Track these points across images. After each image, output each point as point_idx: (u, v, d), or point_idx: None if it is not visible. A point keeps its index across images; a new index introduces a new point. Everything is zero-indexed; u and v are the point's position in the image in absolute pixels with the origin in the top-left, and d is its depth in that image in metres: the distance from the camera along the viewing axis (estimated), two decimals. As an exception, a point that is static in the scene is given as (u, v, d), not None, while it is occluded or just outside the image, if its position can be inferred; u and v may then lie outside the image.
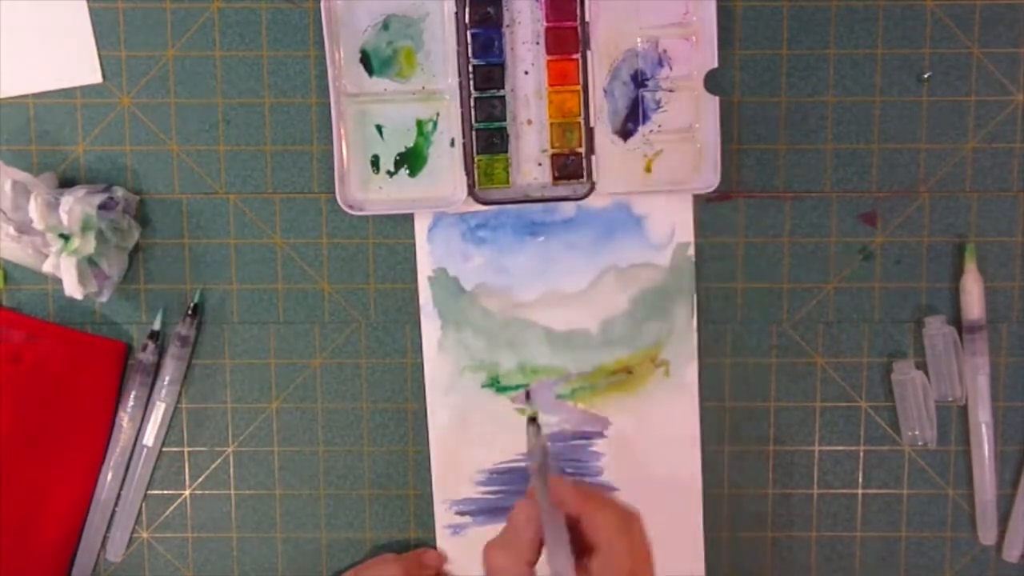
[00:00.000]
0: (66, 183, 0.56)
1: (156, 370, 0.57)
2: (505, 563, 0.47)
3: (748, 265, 0.58)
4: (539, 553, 0.47)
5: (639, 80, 0.56)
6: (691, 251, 0.57)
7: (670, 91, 0.56)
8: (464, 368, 0.58)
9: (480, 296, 0.57)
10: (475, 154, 0.55)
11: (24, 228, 0.53)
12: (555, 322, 0.57)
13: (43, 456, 0.55)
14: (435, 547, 0.58)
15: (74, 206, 0.52)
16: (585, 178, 0.56)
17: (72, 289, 0.52)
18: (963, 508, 0.58)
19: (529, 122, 0.56)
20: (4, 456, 0.53)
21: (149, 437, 0.57)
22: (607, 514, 0.46)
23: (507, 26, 0.55)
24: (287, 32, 0.56)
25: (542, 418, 0.58)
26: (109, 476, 0.57)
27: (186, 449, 0.58)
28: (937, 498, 0.58)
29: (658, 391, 0.58)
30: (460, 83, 0.55)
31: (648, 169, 0.56)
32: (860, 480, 0.58)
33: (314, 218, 0.57)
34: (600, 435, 0.58)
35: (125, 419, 0.57)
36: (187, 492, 0.59)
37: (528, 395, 0.57)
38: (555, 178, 0.56)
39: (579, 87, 0.55)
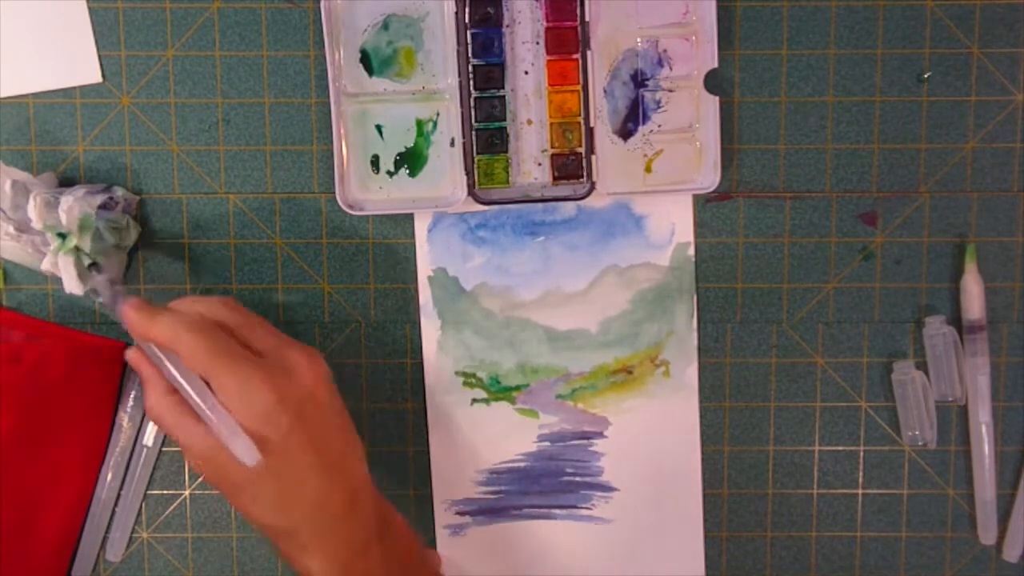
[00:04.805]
0: (66, 183, 0.56)
1: (156, 370, 0.57)
2: (152, 403, 0.48)
3: (748, 265, 0.58)
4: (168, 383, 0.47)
5: (639, 80, 0.56)
6: (691, 251, 0.57)
7: (670, 91, 0.56)
8: (464, 368, 0.58)
9: (480, 296, 0.57)
10: (475, 154, 0.55)
11: (23, 227, 0.53)
12: (555, 322, 0.57)
13: (43, 456, 0.55)
14: (435, 547, 0.58)
15: (73, 205, 0.52)
16: (585, 178, 0.56)
17: (72, 286, 0.52)
18: (963, 508, 0.58)
19: (529, 122, 0.56)
20: (4, 456, 0.53)
21: (149, 437, 0.57)
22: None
23: (507, 26, 0.55)
24: (287, 32, 0.56)
25: (542, 418, 0.58)
26: (109, 476, 0.57)
27: (186, 449, 0.58)
28: (937, 498, 0.58)
29: (658, 391, 0.58)
30: (460, 83, 0.55)
31: (648, 169, 0.56)
32: (860, 480, 0.58)
33: (314, 218, 0.57)
34: (600, 435, 0.58)
35: (125, 419, 0.57)
36: (187, 492, 0.58)
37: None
38: (555, 178, 0.56)
39: (579, 87, 0.55)
